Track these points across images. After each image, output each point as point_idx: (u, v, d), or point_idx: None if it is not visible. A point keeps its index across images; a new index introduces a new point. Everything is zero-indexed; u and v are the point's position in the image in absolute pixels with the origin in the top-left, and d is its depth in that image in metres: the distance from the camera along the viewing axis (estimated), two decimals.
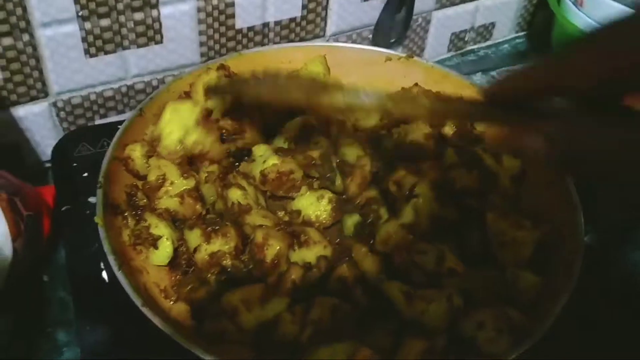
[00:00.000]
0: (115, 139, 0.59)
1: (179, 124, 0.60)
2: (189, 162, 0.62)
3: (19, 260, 0.57)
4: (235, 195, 0.59)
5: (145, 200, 0.59)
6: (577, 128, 0.36)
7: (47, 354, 0.58)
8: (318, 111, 0.64)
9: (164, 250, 0.56)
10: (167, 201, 0.59)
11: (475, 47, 0.99)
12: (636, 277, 0.67)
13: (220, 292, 0.53)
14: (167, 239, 0.56)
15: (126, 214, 0.57)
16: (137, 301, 0.48)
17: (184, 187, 0.59)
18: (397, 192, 0.60)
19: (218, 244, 0.55)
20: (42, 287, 0.64)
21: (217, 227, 0.56)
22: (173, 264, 0.57)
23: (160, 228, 0.56)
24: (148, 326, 0.47)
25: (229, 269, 0.55)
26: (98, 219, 0.53)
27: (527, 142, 0.38)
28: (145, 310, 0.47)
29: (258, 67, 0.69)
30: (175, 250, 0.57)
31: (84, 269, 0.61)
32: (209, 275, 0.55)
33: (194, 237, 0.56)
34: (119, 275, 0.49)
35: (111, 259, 0.50)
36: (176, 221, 0.59)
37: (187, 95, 0.65)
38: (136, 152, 0.60)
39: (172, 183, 0.59)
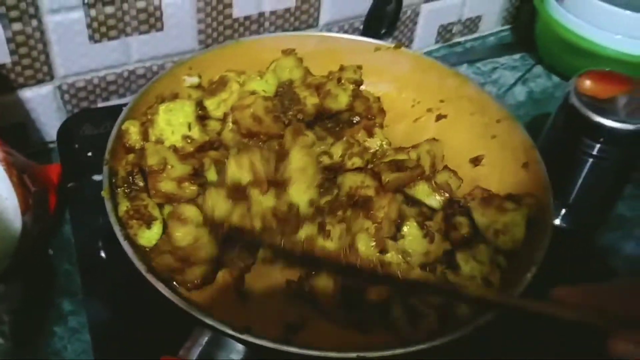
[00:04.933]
0: (120, 119, 0.63)
1: (178, 121, 0.63)
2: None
3: (28, 233, 0.61)
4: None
5: (142, 184, 0.61)
6: None
7: (54, 322, 0.62)
8: None
9: (155, 232, 0.58)
10: (167, 184, 0.60)
11: (462, 39, 1.03)
12: (608, 258, 0.72)
13: None
14: (160, 222, 0.58)
15: (119, 190, 0.59)
16: (142, 268, 0.51)
17: (183, 172, 0.61)
18: None
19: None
20: (49, 260, 0.67)
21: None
22: None
23: (156, 210, 0.59)
24: (149, 295, 0.51)
25: None
26: (105, 193, 0.56)
27: (620, 348, 0.43)
28: (149, 277, 0.51)
29: (254, 55, 0.74)
30: None
31: (88, 243, 0.65)
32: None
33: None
34: (125, 244, 0.53)
35: (117, 229, 0.54)
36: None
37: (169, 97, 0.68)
38: (133, 128, 0.63)
39: (172, 167, 0.60)
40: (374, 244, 0.57)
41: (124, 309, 0.60)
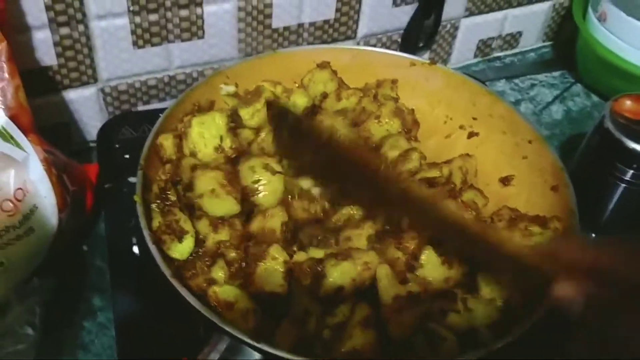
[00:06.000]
0: (156, 127, 0.64)
1: (211, 134, 0.65)
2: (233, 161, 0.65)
3: (63, 230, 0.63)
4: None
5: (175, 198, 0.61)
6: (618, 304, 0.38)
7: (84, 316, 0.65)
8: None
9: (187, 245, 0.58)
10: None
11: (501, 54, 1.02)
12: None
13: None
14: (191, 235, 0.59)
15: (152, 206, 0.60)
16: (167, 272, 0.53)
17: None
18: None
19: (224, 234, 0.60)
20: (82, 256, 0.70)
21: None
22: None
23: (188, 224, 0.60)
24: (173, 296, 0.52)
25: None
26: (137, 198, 0.58)
27: (564, 289, 0.40)
28: (173, 281, 0.52)
29: (290, 66, 0.75)
30: None
31: (120, 242, 0.67)
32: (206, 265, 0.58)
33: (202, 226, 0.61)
34: (152, 248, 0.55)
35: (146, 233, 0.56)
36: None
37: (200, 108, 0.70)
38: (166, 142, 0.65)
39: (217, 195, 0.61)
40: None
41: (149, 308, 0.62)
